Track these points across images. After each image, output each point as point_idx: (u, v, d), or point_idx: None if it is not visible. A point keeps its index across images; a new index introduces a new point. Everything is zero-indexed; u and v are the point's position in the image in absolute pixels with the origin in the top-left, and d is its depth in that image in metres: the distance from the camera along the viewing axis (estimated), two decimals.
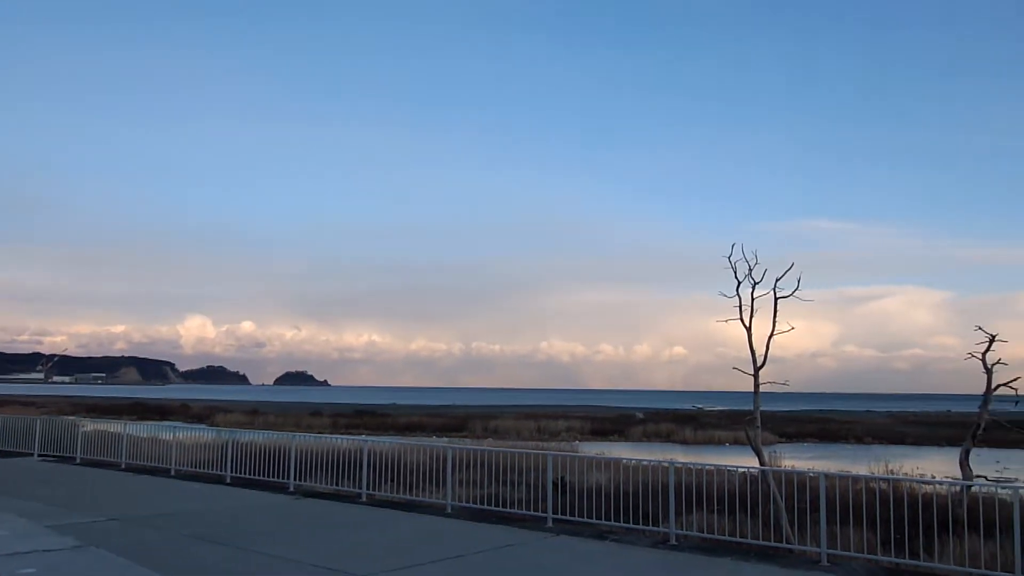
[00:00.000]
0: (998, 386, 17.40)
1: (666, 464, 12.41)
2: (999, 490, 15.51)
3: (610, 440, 56.19)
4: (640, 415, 78.01)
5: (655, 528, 11.80)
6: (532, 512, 13.25)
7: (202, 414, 73.37)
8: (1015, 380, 17.35)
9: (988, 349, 17.53)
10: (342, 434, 40.33)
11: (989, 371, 17.49)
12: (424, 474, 15.17)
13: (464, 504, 14.19)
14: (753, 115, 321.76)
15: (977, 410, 18.15)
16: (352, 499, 15.20)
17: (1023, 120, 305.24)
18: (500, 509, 13.64)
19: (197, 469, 18.39)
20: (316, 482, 16.30)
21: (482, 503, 14.12)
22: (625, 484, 13.39)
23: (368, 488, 15.25)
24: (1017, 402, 18.40)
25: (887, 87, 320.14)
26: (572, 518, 12.65)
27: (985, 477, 19.09)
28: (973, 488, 15.90)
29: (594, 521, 12.37)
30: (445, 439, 46.48)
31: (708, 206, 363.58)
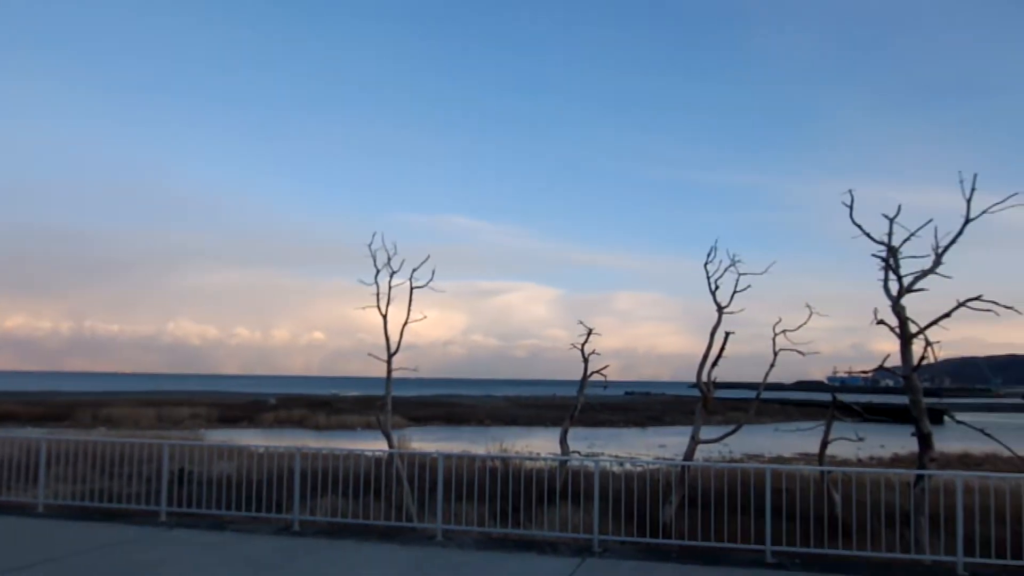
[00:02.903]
0: (592, 373, 20.00)
1: (293, 450, 12.28)
2: (587, 463, 17.95)
3: (239, 427, 54.01)
4: (273, 401, 76.08)
5: (280, 515, 11.63)
6: (145, 506, 12.25)
7: None
8: (604, 368, 20.12)
9: (586, 341, 20.07)
10: None
11: (586, 360, 20.01)
12: (13, 470, 13.18)
13: (63, 502, 12.64)
14: (395, 108, 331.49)
15: (575, 394, 20.68)
16: None
17: (620, 146, 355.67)
18: (107, 505, 12.38)
19: None
20: None
21: (85, 499, 12.70)
22: (251, 472, 13.00)
23: None
24: (605, 387, 21.39)
25: (523, 103, 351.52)
26: (191, 510, 11.98)
27: (578, 452, 21.82)
28: (569, 462, 18.15)
29: (215, 512, 11.84)
30: (44, 430, 41.02)
31: (350, 194, 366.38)
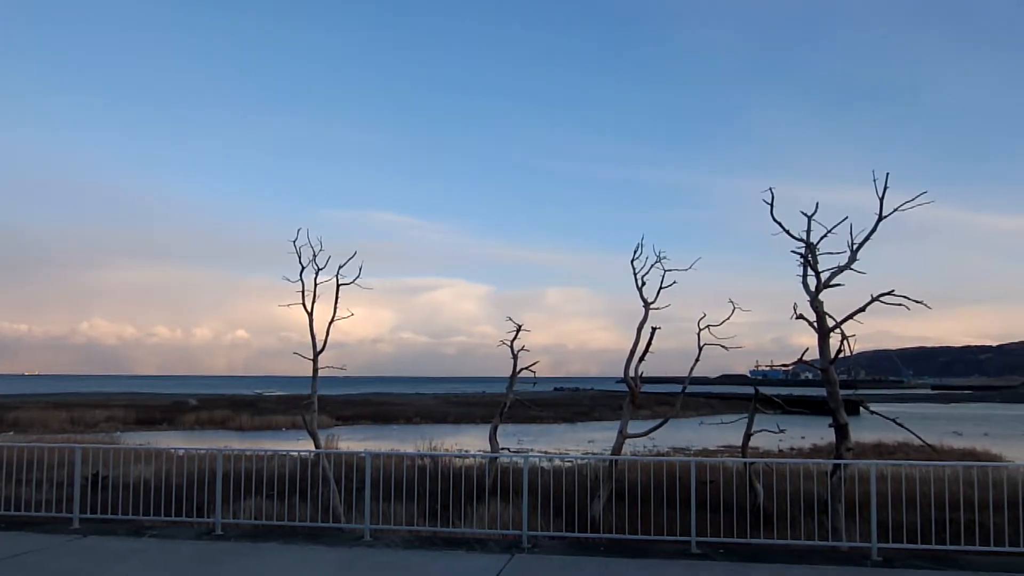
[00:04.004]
0: (521, 369, 20.03)
1: (215, 452, 11.92)
2: (516, 459, 18.00)
3: (158, 429, 52.31)
4: (194, 401, 73.92)
5: (201, 519, 11.29)
6: (56, 514, 11.71)
7: None
8: (534, 364, 20.17)
9: (515, 337, 20.09)
10: None
11: (515, 356, 20.03)
12: None
13: None
14: (320, 104, 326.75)
15: (505, 391, 20.68)
16: None
17: (549, 144, 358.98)
18: (14, 513, 11.81)
19: None
20: None
21: None
22: (171, 475, 12.58)
23: None
24: (535, 383, 21.46)
25: (452, 100, 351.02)
26: (107, 516, 11.52)
27: (508, 449, 21.85)
28: (499, 459, 18.15)
29: (133, 517, 11.43)
30: None
31: (275, 190, 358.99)
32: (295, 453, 16.47)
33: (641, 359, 17.26)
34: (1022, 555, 9.51)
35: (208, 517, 11.22)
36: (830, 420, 13.73)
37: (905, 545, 9.81)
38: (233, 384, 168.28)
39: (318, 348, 17.01)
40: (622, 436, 16.98)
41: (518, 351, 19.98)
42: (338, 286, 17.17)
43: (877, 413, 15.42)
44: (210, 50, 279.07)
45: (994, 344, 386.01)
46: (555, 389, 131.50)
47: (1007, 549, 9.67)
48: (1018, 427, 60.25)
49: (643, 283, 17.33)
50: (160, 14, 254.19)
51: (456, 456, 20.33)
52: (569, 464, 17.97)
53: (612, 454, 17.14)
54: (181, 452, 15.18)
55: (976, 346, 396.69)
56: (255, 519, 11.48)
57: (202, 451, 14.28)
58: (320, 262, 17.06)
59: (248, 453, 13.31)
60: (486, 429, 21.47)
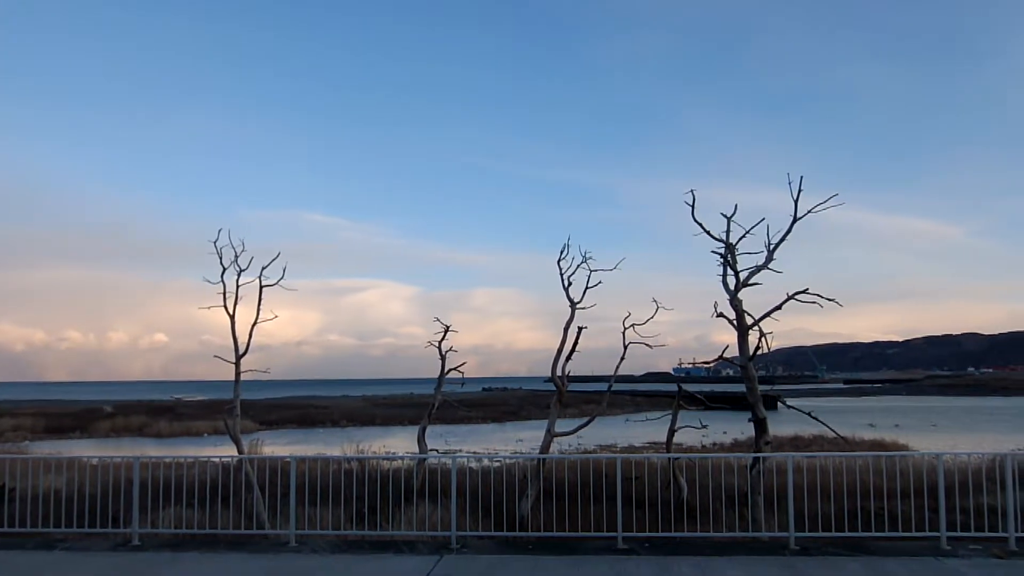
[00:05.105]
0: (450, 370, 20.01)
1: (131, 459, 11.52)
2: (445, 460, 17.92)
3: (70, 437, 50.23)
4: (109, 408, 71.15)
5: (117, 530, 10.90)
6: None
7: None
8: (462, 365, 20.19)
9: (443, 338, 20.05)
10: None
11: (443, 357, 19.99)
12: None
13: None
14: (244, 103, 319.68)
15: (433, 392, 20.61)
16: None
17: (478, 144, 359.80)
18: None
19: None
20: None
21: None
22: (84, 485, 12.11)
23: None
24: (463, 383, 21.45)
25: (380, 100, 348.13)
26: (14, 530, 11.01)
27: (436, 450, 21.77)
28: (427, 460, 18.07)
29: (43, 530, 10.97)
30: None
31: (196, 189, 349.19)
32: (217, 459, 16.04)
33: (568, 358, 17.43)
34: (926, 539, 10.03)
35: (125, 527, 10.86)
36: (750, 415, 14.15)
37: (821, 533, 10.19)
38: (151, 389, 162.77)
39: (240, 351, 16.62)
40: (550, 435, 17.12)
41: (446, 352, 19.95)
42: (261, 288, 16.80)
43: (794, 407, 15.93)
44: (125, 47, 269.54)
45: (900, 339, 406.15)
46: (483, 389, 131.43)
47: (913, 534, 10.16)
48: (924, 418, 63.31)
49: (569, 283, 17.51)
50: (72, 10, 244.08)
51: (384, 459, 20.16)
52: (497, 464, 18.00)
53: (540, 453, 17.25)
54: (95, 460, 14.65)
55: (884, 341, 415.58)
56: (175, 528, 11.16)
57: (118, 459, 13.81)
58: (242, 263, 16.67)
59: (167, 460, 12.91)
60: (414, 431, 21.33)
